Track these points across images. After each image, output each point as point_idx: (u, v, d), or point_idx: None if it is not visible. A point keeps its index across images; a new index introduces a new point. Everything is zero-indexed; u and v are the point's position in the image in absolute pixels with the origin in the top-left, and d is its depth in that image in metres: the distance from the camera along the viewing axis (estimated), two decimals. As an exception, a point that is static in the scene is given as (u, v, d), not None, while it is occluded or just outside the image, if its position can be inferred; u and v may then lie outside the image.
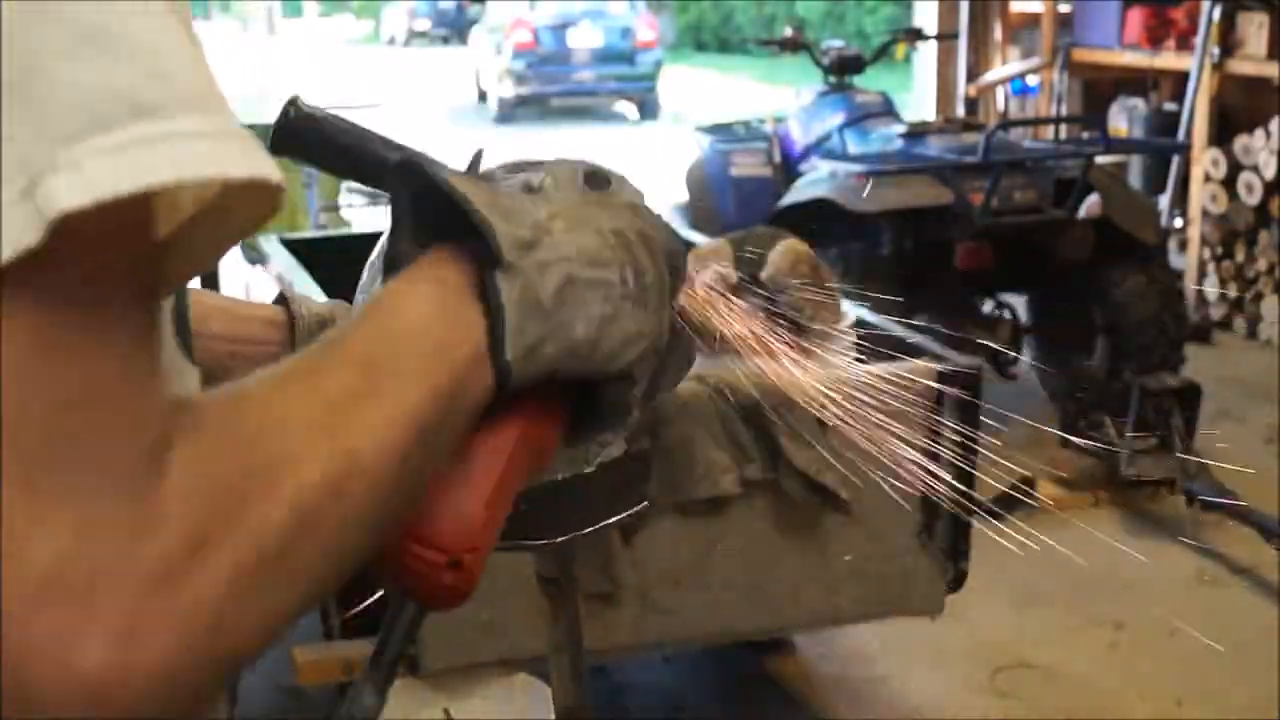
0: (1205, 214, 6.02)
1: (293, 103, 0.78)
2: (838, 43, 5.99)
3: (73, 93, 0.49)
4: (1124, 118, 7.06)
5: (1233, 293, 5.99)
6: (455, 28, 26.46)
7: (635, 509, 0.88)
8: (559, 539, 0.88)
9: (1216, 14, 5.96)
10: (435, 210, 0.70)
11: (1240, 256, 5.95)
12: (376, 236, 0.92)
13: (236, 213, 0.58)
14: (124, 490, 0.50)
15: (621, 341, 0.72)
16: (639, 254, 0.73)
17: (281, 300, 1.09)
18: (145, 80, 0.51)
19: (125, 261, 0.52)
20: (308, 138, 0.77)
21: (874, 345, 2.73)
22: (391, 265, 0.72)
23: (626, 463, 0.85)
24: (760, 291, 2.73)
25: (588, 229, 0.72)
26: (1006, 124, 5.79)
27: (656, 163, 9.10)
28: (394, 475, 0.61)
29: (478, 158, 0.79)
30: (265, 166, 0.54)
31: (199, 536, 0.51)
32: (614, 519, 0.87)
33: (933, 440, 2.41)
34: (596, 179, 0.78)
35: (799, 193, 4.81)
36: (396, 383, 0.62)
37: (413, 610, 0.73)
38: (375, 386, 0.61)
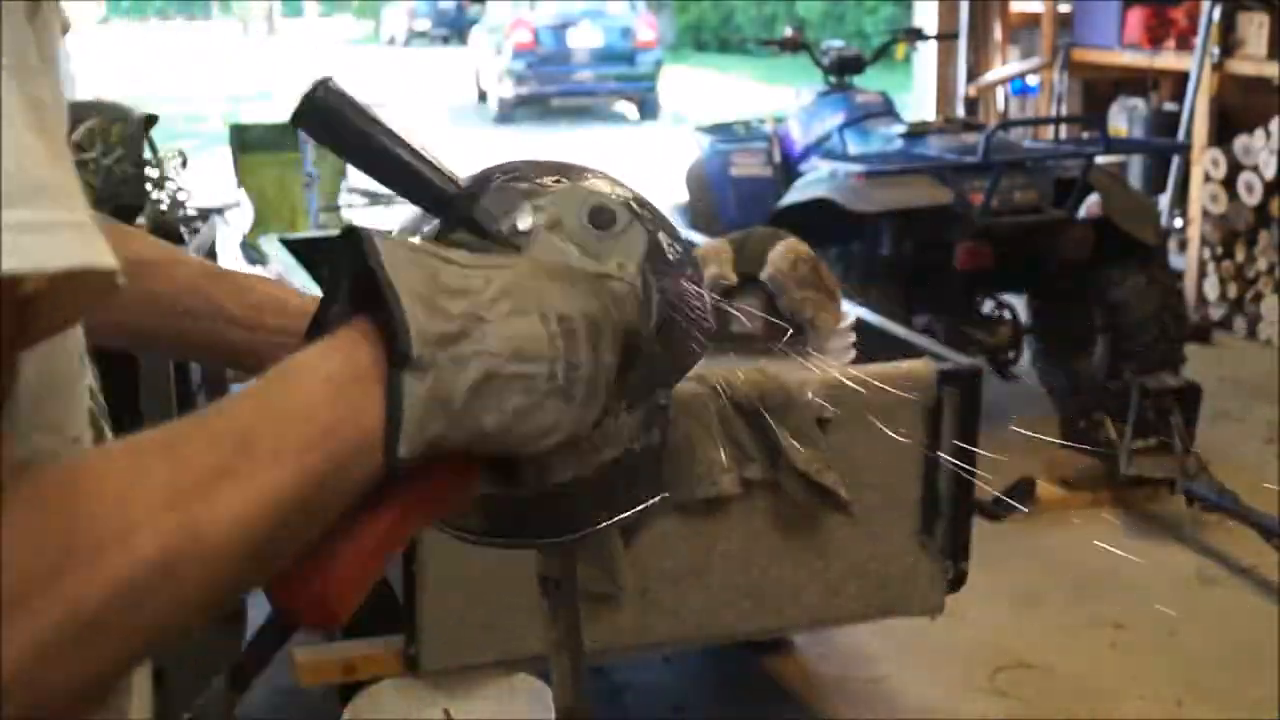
0: (1205, 214, 6.02)
1: (324, 82, 0.78)
2: (838, 43, 5.99)
3: None
4: (1124, 118, 7.06)
5: (1233, 293, 6.00)
6: (455, 28, 26.45)
7: (650, 502, 0.88)
8: (570, 537, 0.87)
9: (1216, 14, 5.97)
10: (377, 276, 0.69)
11: (1240, 256, 5.95)
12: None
13: (80, 291, 0.57)
14: None
15: (535, 433, 0.70)
16: (580, 345, 0.71)
17: None
18: None
19: None
20: (327, 119, 0.78)
21: (874, 345, 2.73)
22: (317, 327, 0.71)
23: (636, 459, 0.84)
24: (760, 291, 2.73)
25: (532, 313, 0.70)
26: (1006, 124, 5.80)
27: (656, 163, 9.11)
28: (242, 556, 0.60)
29: (483, 181, 0.79)
30: (94, 254, 0.53)
31: (8, 598, 0.52)
32: (629, 513, 0.87)
33: (932, 440, 2.42)
34: (601, 215, 0.76)
35: (799, 193, 4.81)
36: (267, 463, 0.61)
37: (283, 621, 0.73)
38: (242, 465, 0.60)
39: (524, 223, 0.76)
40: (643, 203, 0.94)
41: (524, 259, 0.74)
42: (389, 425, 0.65)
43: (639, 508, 0.87)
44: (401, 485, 0.69)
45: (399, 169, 0.79)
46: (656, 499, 0.88)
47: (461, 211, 0.79)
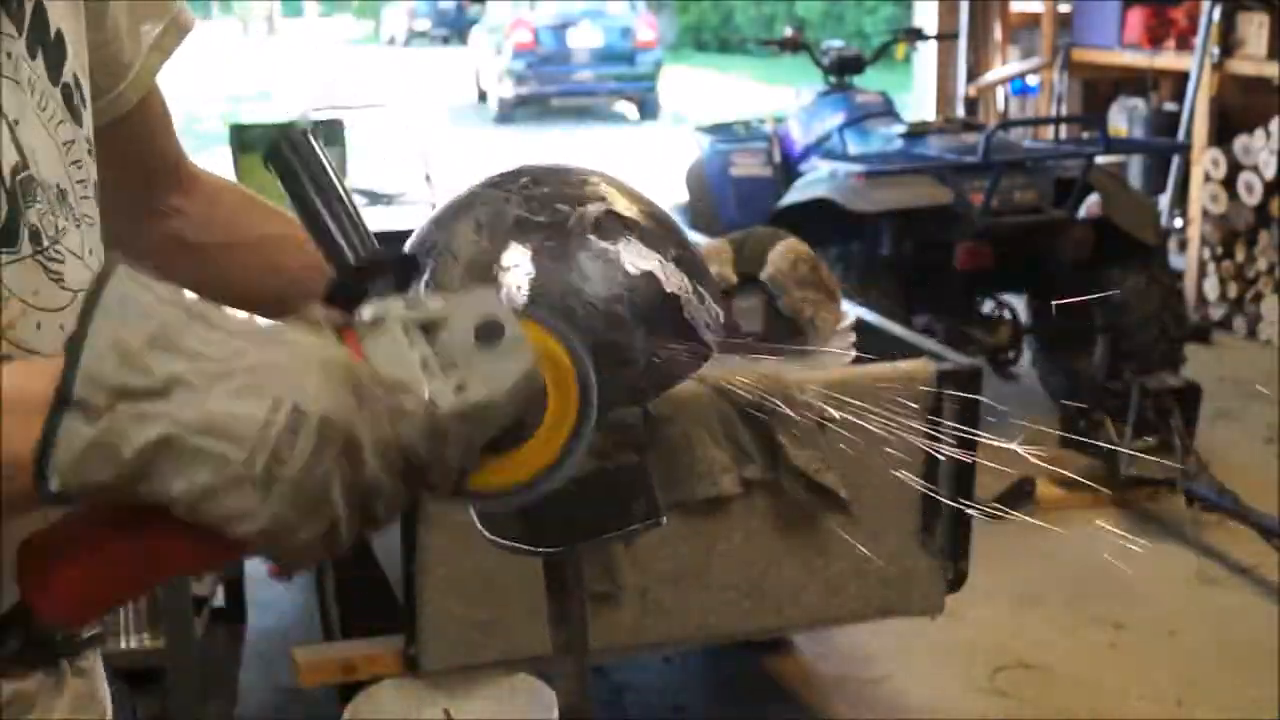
0: (1205, 214, 6.02)
1: (291, 131, 0.83)
2: (838, 43, 5.99)
3: None
4: (1124, 118, 7.06)
5: (1233, 293, 6.00)
6: (455, 28, 26.44)
7: (644, 524, 0.88)
8: (558, 548, 0.88)
9: (1216, 14, 5.96)
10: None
11: (1240, 256, 5.95)
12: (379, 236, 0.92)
13: None
14: None
15: (224, 515, 0.67)
16: (299, 443, 0.67)
17: None
18: None
19: None
20: (281, 163, 0.83)
21: (874, 345, 2.73)
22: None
23: (618, 475, 0.85)
24: (760, 291, 2.73)
25: (263, 397, 0.67)
26: (1006, 124, 5.80)
27: (656, 163, 9.11)
28: None
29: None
30: None
31: None
32: (619, 533, 0.87)
33: (932, 440, 2.42)
34: (487, 329, 0.72)
35: (799, 193, 4.81)
36: None
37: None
38: None
39: (370, 314, 0.73)
40: (655, 214, 0.94)
41: (315, 347, 0.70)
42: (39, 456, 0.66)
43: (631, 529, 0.87)
44: (154, 527, 0.69)
45: (314, 225, 0.82)
46: (649, 523, 0.88)
47: (339, 285, 0.80)
